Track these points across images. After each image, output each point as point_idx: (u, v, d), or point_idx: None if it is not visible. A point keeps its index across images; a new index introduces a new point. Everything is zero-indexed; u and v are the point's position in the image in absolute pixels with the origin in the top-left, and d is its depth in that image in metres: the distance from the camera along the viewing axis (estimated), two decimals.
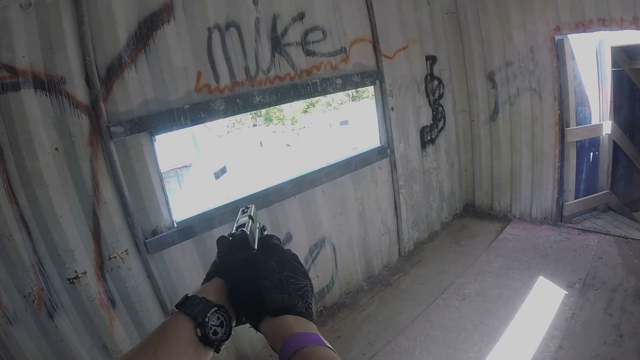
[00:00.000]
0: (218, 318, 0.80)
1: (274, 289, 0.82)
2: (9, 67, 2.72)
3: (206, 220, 3.71)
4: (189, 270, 3.65)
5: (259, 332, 0.82)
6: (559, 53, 5.20)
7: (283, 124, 37.70)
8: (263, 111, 36.55)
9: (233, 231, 0.88)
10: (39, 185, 2.87)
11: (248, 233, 0.87)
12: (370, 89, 5.35)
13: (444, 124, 6.31)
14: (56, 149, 2.94)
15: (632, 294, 4.14)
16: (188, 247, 3.64)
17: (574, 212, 5.78)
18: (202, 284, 0.91)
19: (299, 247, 4.52)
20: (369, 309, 4.83)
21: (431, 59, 5.97)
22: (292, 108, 37.15)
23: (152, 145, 3.42)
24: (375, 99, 5.34)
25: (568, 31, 5.03)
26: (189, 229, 3.60)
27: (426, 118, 6.02)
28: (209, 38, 3.68)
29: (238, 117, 35.61)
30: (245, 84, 3.95)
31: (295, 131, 36.71)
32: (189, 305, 0.78)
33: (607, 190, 5.87)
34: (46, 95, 2.88)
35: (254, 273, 0.85)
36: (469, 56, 6.15)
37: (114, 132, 3.10)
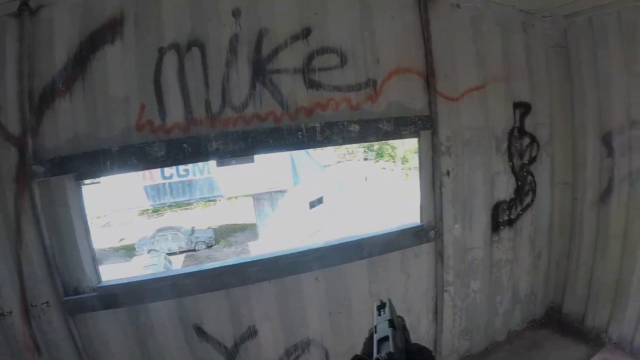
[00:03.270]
0: None
1: None
2: None
3: (133, 291, 3.07)
4: (117, 341, 3.09)
5: None
6: None
7: (394, 162, 36.04)
8: (376, 145, 35.79)
9: (375, 353, 0.74)
10: None
11: (395, 356, 0.71)
12: (424, 142, 3.82)
13: (532, 200, 4.45)
14: None
15: None
16: (118, 316, 3.05)
17: None
18: None
19: (268, 346, 3.51)
20: None
21: (522, 108, 4.23)
22: (404, 146, 35.46)
23: (79, 191, 2.98)
24: (420, 158, 3.85)
25: None
26: (112, 298, 3.00)
27: (505, 190, 4.27)
28: (159, 60, 2.89)
29: (350, 149, 35.41)
30: (204, 124, 3.02)
31: (404, 170, 34.78)
32: None
33: None
34: None
35: None
36: (579, 108, 4.26)
37: (35, 172, 2.72)
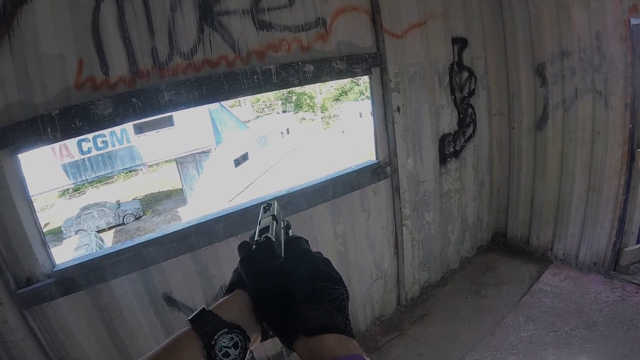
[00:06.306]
0: (231, 339, 0.67)
1: (307, 303, 0.69)
2: None
3: (93, 270, 2.77)
4: (81, 328, 2.83)
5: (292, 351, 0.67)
6: (634, 43, 3.60)
7: (313, 111, 36.16)
8: (294, 97, 35.28)
9: (256, 237, 0.75)
10: None
11: (273, 239, 0.73)
12: (375, 79, 3.83)
13: (473, 131, 4.73)
14: None
15: None
16: (79, 300, 2.78)
17: (632, 260, 4.26)
18: (224, 295, 0.79)
19: None
20: None
21: (460, 43, 4.37)
22: (322, 95, 35.42)
23: (18, 166, 2.61)
24: (372, 95, 3.87)
25: None
26: (70, 282, 2.71)
27: (449, 122, 4.47)
28: (96, 8, 2.53)
29: (267, 102, 34.71)
30: (152, 75, 2.73)
31: (324, 119, 35.17)
32: (201, 322, 0.68)
33: None
34: None
35: (282, 285, 0.72)
36: (511, 41, 4.47)
37: None
